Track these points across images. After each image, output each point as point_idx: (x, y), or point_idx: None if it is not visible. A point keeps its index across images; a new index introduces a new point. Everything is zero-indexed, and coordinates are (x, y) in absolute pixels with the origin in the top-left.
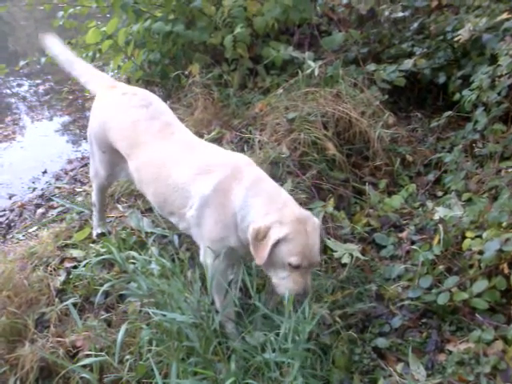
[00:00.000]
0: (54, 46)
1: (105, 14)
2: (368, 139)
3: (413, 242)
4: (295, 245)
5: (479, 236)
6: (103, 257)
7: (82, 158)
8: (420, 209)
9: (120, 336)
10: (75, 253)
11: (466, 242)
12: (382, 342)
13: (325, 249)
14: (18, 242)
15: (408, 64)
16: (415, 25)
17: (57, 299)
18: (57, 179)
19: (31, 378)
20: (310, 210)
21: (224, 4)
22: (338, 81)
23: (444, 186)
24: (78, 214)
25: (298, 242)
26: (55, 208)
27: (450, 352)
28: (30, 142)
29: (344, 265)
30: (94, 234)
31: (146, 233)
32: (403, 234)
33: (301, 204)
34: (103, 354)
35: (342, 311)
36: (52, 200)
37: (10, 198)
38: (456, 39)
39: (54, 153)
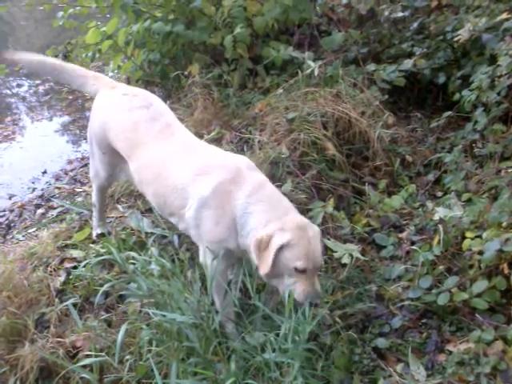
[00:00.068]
0: (29, 59)
1: (105, 14)
2: (368, 139)
3: (413, 243)
4: (299, 249)
5: (479, 236)
6: (103, 257)
7: (82, 159)
8: (420, 209)
9: (120, 336)
10: (75, 253)
11: (466, 243)
12: (382, 343)
13: (325, 249)
14: (17, 243)
15: (408, 64)
16: (415, 25)
17: (57, 299)
18: (57, 179)
19: (31, 379)
20: (310, 210)
21: (224, 4)
22: (338, 81)
23: (444, 187)
24: (78, 214)
25: (301, 247)
26: (55, 208)
27: (450, 352)
28: (29, 143)
29: (344, 265)
30: (94, 234)
31: (146, 233)
32: (403, 235)
33: (301, 204)
34: (103, 354)
35: (342, 311)
36: (52, 200)
37: (9, 198)
38: (456, 39)
39: (53, 153)
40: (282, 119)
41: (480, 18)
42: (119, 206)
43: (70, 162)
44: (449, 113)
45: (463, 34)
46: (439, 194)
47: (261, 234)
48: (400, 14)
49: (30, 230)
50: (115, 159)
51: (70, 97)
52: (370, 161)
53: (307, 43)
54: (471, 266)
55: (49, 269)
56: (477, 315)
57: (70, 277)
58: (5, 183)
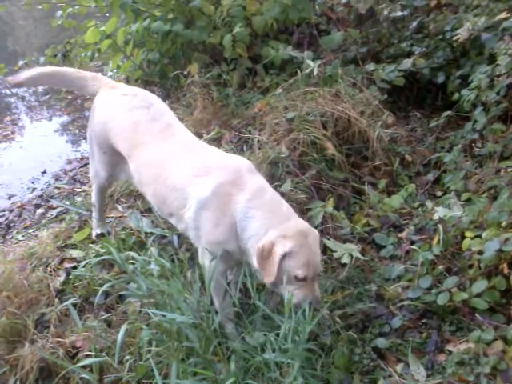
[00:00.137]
0: (35, 73)
1: (104, 14)
2: (367, 139)
3: (412, 242)
4: (300, 258)
5: (479, 236)
6: (103, 257)
7: (82, 158)
8: (419, 209)
9: (120, 336)
10: (75, 253)
11: (466, 242)
12: (381, 343)
13: (324, 249)
14: (17, 243)
15: (407, 63)
16: (414, 24)
17: (56, 300)
18: (56, 179)
19: (31, 379)
20: (310, 209)
21: (223, 3)
22: (337, 80)
23: (443, 186)
24: (78, 214)
25: (302, 255)
26: (55, 208)
27: (450, 352)
28: (29, 142)
29: (344, 265)
30: (94, 234)
31: (146, 233)
32: (403, 234)
33: (300, 204)
34: (103, 354)
35: (342, 311)
36: (51, 200)
37: (9, 198)
38: (455, 38)
39: (53, 153)
40: (282, 119)
41: (479, 17)
42: (119, 206)
43: (69, 161)
44: (448, 112)
45: (462, 34)
46: (439, 193)
47: (263, 241)
48: (399, 14)
49: (29, 230)
50: (115, 159)
51: (70, 96)
52: (369, 160)
53: (306, 42)
54: (471, 266)
55: (48, 269)
56: (477, 315)
57: (70, 277)
58: (4, 183)
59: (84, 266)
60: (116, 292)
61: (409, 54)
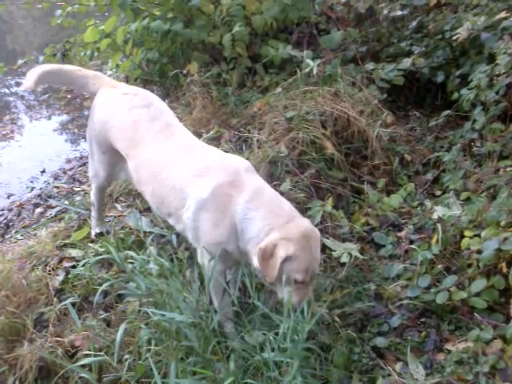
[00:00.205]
0: (40, 69)
1: (103, 13)
2: (366, 138)
3: (411, 242)
4: (301, 262)
5: (478, 235)
6: (102, 256)
7: (81, 158)
8: (418, 208)
9: (119, 336)
10: (74, 252)
11: (465, 241)
12: (380, 342)
13: (324, 248)
14: (16, 242)
15: (406, 63)
16: (414, 23)
17: (55, 299)
18: (55, 178)
19: (30, 378)
20: (309, 209)
21: (223, 2)
22: (337, 80)
23: (442, 185)
24: (77, 213)
25: (303, 260)
26: (54, 207)
27: (449, 351)
28: (28, 142)
29: (343, 264)
30: (93, 233)
31: (145, 232)
32: (402, 234)
33: (299, 203)
34: (102, 353)
35: (341, 310)
36: (50, 200)
37: (8, 197)
38: (454, 38)
39: (52, 152)
40: (281, 118)
41: (479, 16)
42: (118, 205)
43: (68, 161)
44: (447, 112)
45: (462, 33)
46: (438, 192)
47: (265, 242)
48: (399, 13)
49: (28, 230)
50: (115, 159)
51: (69, 96)
52: (368, 160)
53: (306, 42)
54: (470, 265)
55: (47, 268)
56: (475, 314)
57: (69, 276)
58: (3, 182)
59: (83, 265)
60: (115, 291)
61: (408, 54)
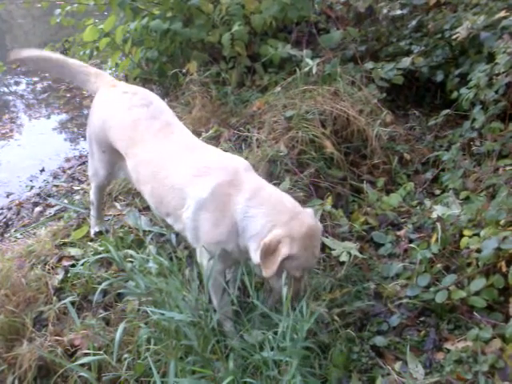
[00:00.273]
0: (36, 54)
1: (102, 12)
2: (366, 137)
3: (411, 241)
4: (302, 261)
5: (477, 234)
6: (101, 255)
7: (80, 156)
8: (418, 207)
9: (118, 335)
10: (73, 251)
11: (464, 241)
12: (380, 341)
13: (323, 247)
14: (15, 241)
15: (406, 62)
16: (413, 23)
17: (55, 298)
18: (54, 177)
19: (29, 377)
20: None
21: (222, 2)
22: (336, 79)
23: (442, 185)
24: (76, 212)
25: (304, 259)
26: (53, 206)
27: (448, 350)
28: (27, 140)
29: (342, 263)
30: (92, 232)
31: (144, 231)
32: (401, 233)
33: (299, 202)
34: (101, 352)
35: (340, 309)
36: (50, 198)
37: (7, 196)
38: (454, 37)
39: (51, 151)
40: (280, 117)
41: (478, 15)
42: (117, 204)
43: (67, 159)
44: (447, 111)
45: (461, 32)
46: (437, 192)
47: (269, 237)
48: (398, 12)
49: (27, 228)
50: (115, 158)
51: (68, 95)
52: (368, 159)
53: (305, 41)
54: (469, 264)
55: (47, 267)
56: (475, 313)
57: (68, 275)
58: (2, 181)
59: (82, 264)
60: (114, 290)
61: (408, 53)
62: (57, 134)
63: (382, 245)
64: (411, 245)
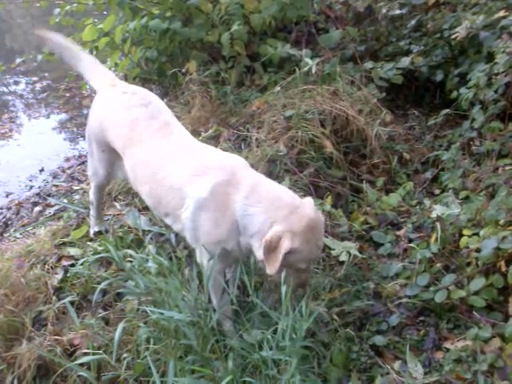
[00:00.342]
0: (58, 40)
1: (101, 12)
2: (365, 137)
3: (410, 240)
4: (305, 254)
5: (476, 234)
6: (100, 255)
7: (80, 156)
8: (417, 207)
9: (117, 334)
10: (72, 251)
11: (464, 240)
12: (379, 340)
13: (323, 247)
14: (15, 240)
15: (405, 62)
16: (412, 22)
17: (54, 297)
18: (54, 177)
19: (29, 377)
20: None
21: (221, 1)
22: (336, 78)
23: (441, 184)
24: (76, 212)
25: (308, 252)
26: (52, 206)
27: (448, 350)
28: (26, 140)
29: (342, 263)
30: (92, 232)
31: (144, 231)
32: (401, 232)
33: None
34: (101, 352)
35: (340, 309)
36: (48, 198)
37: (7, 196)
38: (453, 37)
39: (51, 151)
40: (280, 117)
41: (477, 15)
42: (117, 204)
43: (67, 159)
44: (446, 110)
45: (460, 32)
46: (437, 191)
47: (270, 234)
48: (397, 12)
49: (27, 228)
50: (114, 157)
51: (68, 94)
52: (367, 158)
53: (305, 41)
54: (468, 264)
55: (46, 267)
56: (474, 313)
57: (68, 275)
58: (2, 181)
59: (82, 264)
60: (114, 290)
61: (407, 53)
62: (56, 134)
63: (382, 244)
64: (411, 244)
